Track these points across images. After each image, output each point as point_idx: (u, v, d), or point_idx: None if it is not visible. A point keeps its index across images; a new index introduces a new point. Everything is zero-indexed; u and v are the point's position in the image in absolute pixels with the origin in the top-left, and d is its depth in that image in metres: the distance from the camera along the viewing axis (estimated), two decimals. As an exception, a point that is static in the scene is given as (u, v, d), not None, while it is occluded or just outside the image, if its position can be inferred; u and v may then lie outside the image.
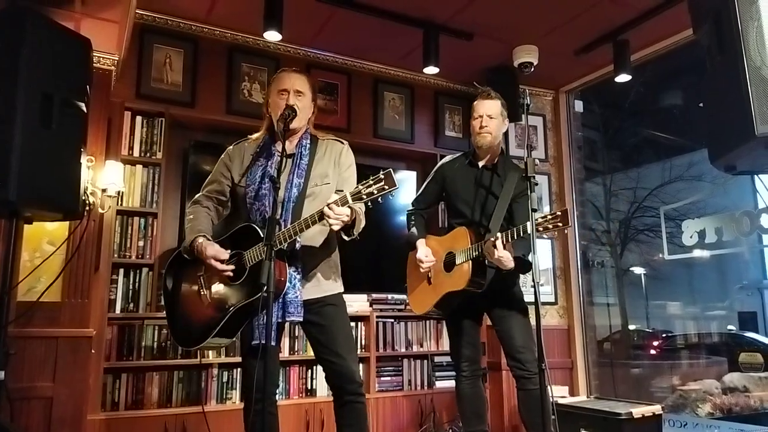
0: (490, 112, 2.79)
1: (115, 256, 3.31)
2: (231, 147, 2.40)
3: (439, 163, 3.04)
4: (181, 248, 2.30)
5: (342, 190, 2.21)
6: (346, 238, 2.16)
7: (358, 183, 1.99)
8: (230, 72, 3.78)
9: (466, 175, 2.89)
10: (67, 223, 2.76)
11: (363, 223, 2.19)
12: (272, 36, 3.44)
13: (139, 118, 3.48)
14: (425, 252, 2.80)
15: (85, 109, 2.24)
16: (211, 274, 2.22)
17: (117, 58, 3.15)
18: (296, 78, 2.29)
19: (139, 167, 3.45)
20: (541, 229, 2.36)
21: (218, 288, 2.21)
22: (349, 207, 1.98)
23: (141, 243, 3.39)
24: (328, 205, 1.97)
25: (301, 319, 2.17)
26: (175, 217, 3.63)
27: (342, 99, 4.14)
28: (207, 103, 3.68)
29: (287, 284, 2.13)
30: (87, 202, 2.83)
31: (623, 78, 3.85)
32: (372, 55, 4.15)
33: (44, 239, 2.81)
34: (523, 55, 3.91)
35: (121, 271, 3.33)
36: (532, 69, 3.96)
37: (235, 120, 3.71)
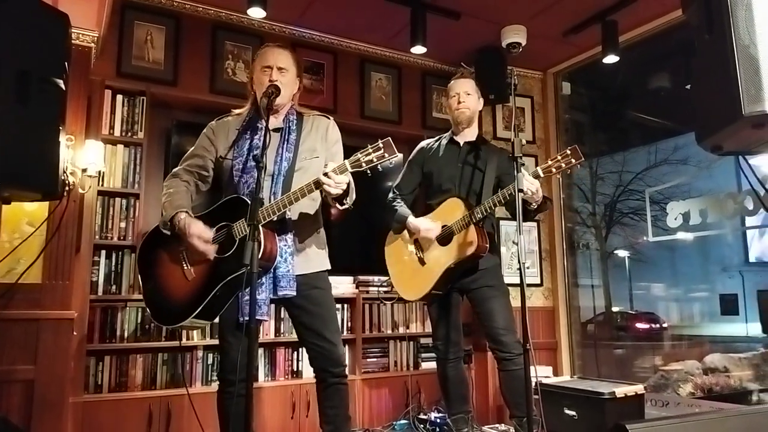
0: (465, 89, 2.91)
1: (97, 237, 3.25)
2: (214, 122, 2.37)
3: (418, 147, 3.11)
4: (159, 223, 2.25)
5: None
6: (340, 207, 2.14)
7: (356, 152, 1.99)
8: (213, 50, 3.70)
9: (449, 152, 2.95)
10: (47, 203, 2.71)
11: (354, 195, 2.18)
12: (256, 12, 3.37)
13: (120, 97, 3.40)
14: (427, 222, 2.79)
15: (63, 86, 2.18)
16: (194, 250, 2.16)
17: (97, 35, 3.07)
18: (279, 54, 2.27)
19: (120, 147, 3.38)
20: (554, 169, 2.38)
21: (203, 263, 2.15)
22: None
23: (123, 224, 3.34)
24: (325, 173, 1.98)
25: (295, 293, 2.15)
26: (158, 199, 3.49)
27: (328, 79, 4.08)
28: (190, 82, 3.61)
29: (278, 258, 2.11)
30: (66, 181, 2.77)
31: (611, 59, 3.83)
32: (359, 34, 4.08)
33: (24, 220, 2.76)
34: (511, 36, 3.87)
35: (103, 252, 3.27)
36: (520, 49, 3.91)
37: (218, 99, 3.63)
